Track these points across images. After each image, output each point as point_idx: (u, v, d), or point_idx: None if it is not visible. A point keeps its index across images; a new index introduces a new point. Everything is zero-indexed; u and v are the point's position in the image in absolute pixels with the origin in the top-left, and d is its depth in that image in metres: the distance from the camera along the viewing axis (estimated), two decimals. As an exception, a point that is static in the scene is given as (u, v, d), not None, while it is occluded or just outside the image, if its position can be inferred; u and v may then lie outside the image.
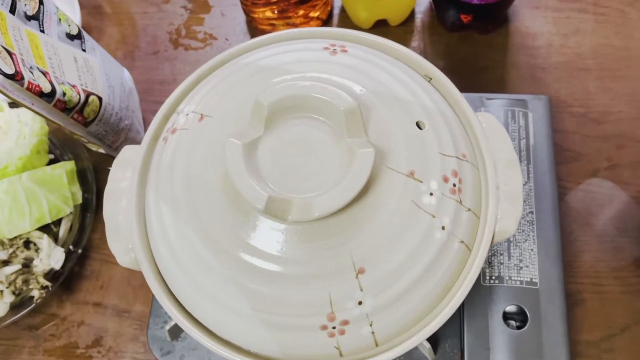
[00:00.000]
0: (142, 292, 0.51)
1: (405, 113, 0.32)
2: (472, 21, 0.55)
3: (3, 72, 0.37)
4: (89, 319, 0.50)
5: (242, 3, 0.57)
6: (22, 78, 0.38)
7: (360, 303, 0.30)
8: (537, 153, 0.45)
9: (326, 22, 0.59)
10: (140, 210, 0.35)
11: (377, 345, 0.32)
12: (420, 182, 0.31)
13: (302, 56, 0.35)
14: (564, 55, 0.56)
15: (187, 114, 0.34)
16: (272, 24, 0.58)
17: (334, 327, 0.30)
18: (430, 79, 0.37)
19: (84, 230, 0.51)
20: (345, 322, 0.30)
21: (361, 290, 0.30)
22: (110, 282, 0.51)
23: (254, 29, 0.60)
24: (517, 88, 0.55)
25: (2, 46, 0.38)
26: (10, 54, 0.39)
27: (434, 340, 0.41)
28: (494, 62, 0.57)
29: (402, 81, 0.34)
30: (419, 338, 0.31)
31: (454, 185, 0.32)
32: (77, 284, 0.51)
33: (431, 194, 0.31)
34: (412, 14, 0.59)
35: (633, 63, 0.55)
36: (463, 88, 0.37)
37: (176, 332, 0.42)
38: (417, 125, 0.32)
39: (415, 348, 0.41)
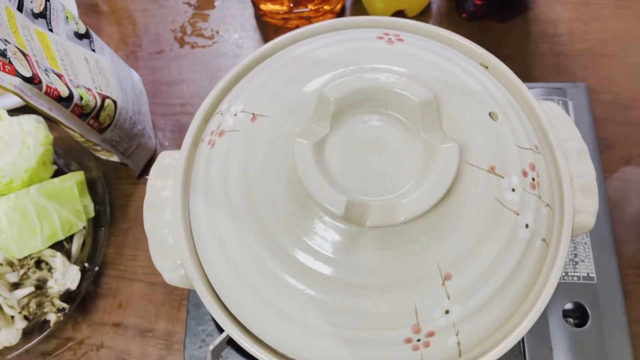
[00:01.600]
0: (165, 309, 0.47)
1: (476, 104, 0.30)
2: (490, 9, 0.54)
3: (21, 75, 0.33)
4: (109, 341, 0.46)
5: (252, -5, 0.54)
6: (40, 82, 0.34)
7: (447, 312, 0.27)
8: (582, 142, 0.43)
9: (340, 14, 0.57)
10: (187, 222, 0.32)
11: (460, 355, 0.29)
12: (502, 177, 0.29)
13: (357, 46, 0.32)
14: (587, 42, 0.55)
15: (236, 114, 0.31)
16: (284, 18, 0.55)
17: (419, 340, 0.28)
18: (487, 67, 0.35)
19: (98, 245, 0.47)
20: (431, 334, 0.28)
21: (448, 298, 0.27)
22: (129, 300, 0.47)
23: (264, 24, 0.57)
24: (543, 77, 0.53)
25: (16, 47, 0.34)
26: (24, 55, 0.35)
27: (494, 343, 0.38)
28: (517, 51, 0.55)
29: (466, 70, 0.32)
30: (506, 345, 0.29)
31: (533, 179, 0.30)
32: (93, 304, 0.47)
33: (513, 189, 0.29)
34: (429, 4, 0.57)
35: (657, 47, 0.54)
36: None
37: (218, 351, 0.39)
38: (490, 116, 0.30)
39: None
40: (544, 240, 0.30)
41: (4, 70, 0.32)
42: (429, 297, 0.27)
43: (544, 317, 0.39)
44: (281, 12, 0.55)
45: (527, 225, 0.29)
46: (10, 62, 0.33)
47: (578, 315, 0.39)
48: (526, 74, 0.53)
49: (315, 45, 0.33)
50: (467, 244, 0.28)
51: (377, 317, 0.27)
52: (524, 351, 0.38)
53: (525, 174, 0.29)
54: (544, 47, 0.55)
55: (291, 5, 0.53)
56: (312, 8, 0.54)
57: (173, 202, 0.32)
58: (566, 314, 0.39)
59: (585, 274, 0.40)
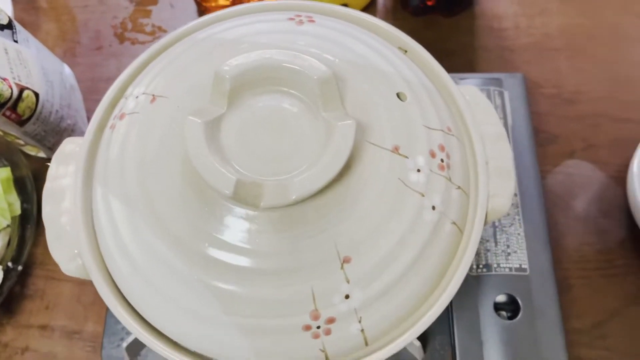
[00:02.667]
0: (95, 310, 0.45)
1: (384, 84, 0.29)
2: (436, 3, 0.53)
3: None
4: (34, 343, 0.45)
5: (192, -10, 0.53)
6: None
7: (347, 297, 0.26)
8: (516, 133, 0.43)
9: (284, 10, 0.56)
10: (87, 210, 0.30)
11: (367, 344, 0.28)
12: (406, 157, 0.28)
13: (264, 27, 0.31)
14: (532, 36, 0.54)
15: (137, 97, 0.30)
16: (226, 14, 0.54)
17: (318, 327, 0.26)
18: (406, 51, 0.34)
19: (24, 244, 0.45)
20: (331, 320, 0.26)
21: (348, 282, 0.26)
22: (57, 301, 0.46)
23: (207, 20, 0.56)
24: (487, 71, 0.52)
25: None
26: None
27: (423, 337, 0.37)
28: (462, 46, 0.54)
29: (377, 51, 0.31)
30: (415, 332, 0.28)
31: (442, 160, 0.29)
32: (19, 305, 0.46)
33: (418, 170, 0.28)
34: (374, -1, 0.56)
35: (602, 41, 0.54)
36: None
37: (135, 349, 0.37)
38: (398, 96, 0.29)
39: (403, 348, 0.37)
40: (454, 223, 0.29)
41: None
42: (327, 281, 0.26)
43: (474, 310, 0.38)
44: (223, 8, 0.54)
45: (433, 207, 0.28)
46: None
47: (511, 309, 0.38)
48: (471, 68, 0.53)
49: (222, 27, 0.32)
50: (368, 226, 0.26)
51: (274, 304, 0.26)
52: (454, 344, 0.37)
53: (433, 155, 0.28)
54: (490, 42, 0.54)
55: (230, 2, 0.52)
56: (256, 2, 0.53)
57: (73, 189, 0.30)
58: (498, 307, 0.38)
59: (518, 265, 0.39)
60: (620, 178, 0.48)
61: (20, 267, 0.44)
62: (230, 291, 0.26)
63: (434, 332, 0.38)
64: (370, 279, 0.26)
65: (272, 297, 0.26)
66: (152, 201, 0.27)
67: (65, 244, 0.30)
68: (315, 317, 0.26)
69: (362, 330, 0.27)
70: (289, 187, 0.25)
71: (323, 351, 0.27)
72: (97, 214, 0.30)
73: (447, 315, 0.38)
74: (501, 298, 0.38)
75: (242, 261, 0.26)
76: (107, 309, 0.40)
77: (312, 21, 0.32)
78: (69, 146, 0.33)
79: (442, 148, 0.29)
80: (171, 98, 0.29)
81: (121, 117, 0.30)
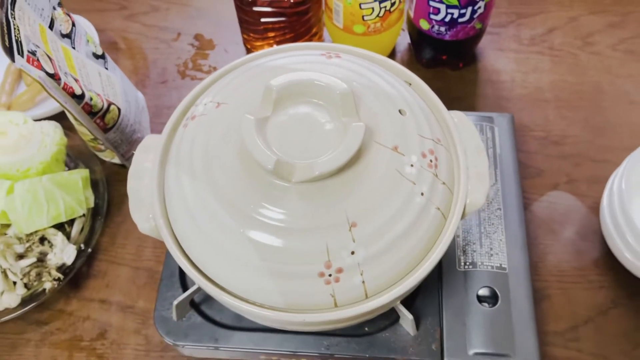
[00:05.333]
0: (146, 290, 0.54)
1: (389, 102, 0.39)
2: (445, 58, 0.64)
3: (46, 70, 0.43)
4: (94, 314, 0.53)
5: (243, 39, 0.65)
6: (60, 79, 0.44)
7: (352, 253, 0.35)
8: (503, 159, 0.52)
9: (318, 58, 0.67)
10: (160, 186, 0.40)
11: (367, 297, 0.36)
12: (403, 155, 0.37)
13: (302, 59, 0.42)
14: (525, 89, 0.64)
15: (205, 104, 0.41)
16: (270, 59, 0.66)
17: (330, 275, 0.35)
18: (410, 84, 0.44)
19: (94, 232, 0.55)
20: (340, 270, 0.35)
21: (354, 241, 0.35)
22: (115, 281, 0.55)
23: (254, 64, 0.67)
24: (485, 114, 0.62)
25: (45, 52, 0.44)
26: (50, 59, 0.45)
27: (416, 318, 0.45)
28: (465, 94, 0.64)
29: (386, 80, 0.41)
30: (403, 288, 0.36)
31: (431, 161, 0.38)
32: (84, 283, 0.55)
33: (412, 165, 0.37)
34: (393, 51, 0.67)
35: (585, 95, 0.63)
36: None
37: (182, 311, 0.46)
38: (400, 112, 0.39)
39: (399, 325, 0.45)
40: (439, 209, 0.38)
41: (33, 65, 0.42)
42: (339, 240, 0.35)
43: (460, 298, 0.46)
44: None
45: (422, 194, 0.37)
46: (38, 60, 0.43)
47: (491, 299, 0.46)
48: (472, 111, 0.62)
49: (270, 58, 0.43)
50: (371, 201, 0.35)
51: (297, 254, 0.35)
52: (442, 325, 0.45)
53: (424, 155, 0.38)
54: (489, 91, 0.64)
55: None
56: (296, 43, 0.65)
57: (151, 171, 0.40)
58: (481, 297, 0.46)
59: (499, 265, 0.47)
60: (596, 208, 0.56)
61: (89, 250, 0.54)
62: (266, 243, 0.35)
63: (427, 314, 0.46)
64: (371, 241, 0.35)
65: (296, 248, 0.35)
66: (213, 175, 0.37)
67: (143, 210, 0.40)
68: (328, 266, 0.35)
69: (363, 282, 0.36)
70: (314, 167, 0.34)
71: (332, 296, 0.36)
72: (169, 188, 0.39)
73: (437, 301, 0.46)
74: (483, 291, 0.46)
75: (276, 221, 0.35)
76: (160, 283, 0.49)
77: (339, 57, 0.42)
78: (149, 140, 0.43)
79: (431, 152, 0.38)
80: (231, 104, 0.39)
81: (192, 118, 0.40)
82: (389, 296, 0.36)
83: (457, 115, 0.43)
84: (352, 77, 0.40)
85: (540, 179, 0.58)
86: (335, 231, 0.35)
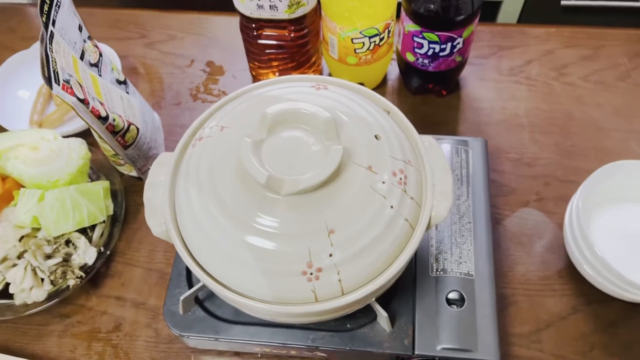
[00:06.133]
0: (156, 289, 0.61)
1: (367, 128, 0.46)
2: (431, 87, 0.71)
3: (77, 96, 0.50)
4: (111, 309, 0.60)
5: (250, 67, 0.73)
6: (89, 103, 0.52)
7: (331, 255, 0.42)
8: (475, 179, 0.58)
9: (316, 84, 0.74)
10: (172, 196, 0.47)
11: (343, 293, 0.43)
12: (376, 173, 0.44)
13: (296, 90, 0.49)
14: (503, 115, 0.71)
15: (211, 127, 0.48)
16: (273, 85, 0.73)
17: (311, 274, 0.42)
18: (389, 112, 0.51)
19: (112, 237, 0.62)
20: (320, 270, 0.42)
21: (332, 245, 0.42)
22: (130, 281, 0.62)
23: (258, 88, 0.75)
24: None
25: (76, 80, 0.52)
26: (80, 86, 0.52)
27: (392, 316, 0.51)
28: (449, 119, 0.71)
29: (366, 109, 0.48)
30: (374, 285, 0.43)
31: (400, 179, 0.45)
32: (103, 281, 0.62)
33: (383, 182, 0.44)
34: (385, 79, 0.74)
35: (557, 122, 0.70)
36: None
37: (187, 306, 0.53)
38: (375, 137, 0.46)
39: (377, 322, 0.52)
40: (407, 220, 0.44)
41: (67, 92, 0.49)
42: (319, 244, 0.42)
43: (432, 300, 0.52)
44: (271, 80, 0.73)
45: (392, 207, 0.43)
46: (71, 87, 0.50)
47: (459, 302, 0.52)
48: (454, 134, 0.69)
49: (268, 89, 0.50)
50: (348, 211, 0.42)
51: (284, 255, 0.42)
52: (415, 323, 0.51)
53: (394, 174, 0.44)
54: (470, 117, 0.71)
55: (277, 74, 0.71)
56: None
57: (164, 182, 0.47)
58: (449, 300, 0.52)
59: (466, 272, 0.53)
60: (561, 224, 0.62)
61: (108, 252, 0.61)
62: (259, 246, 0.42)
63: (401, 314, 0.52)
64: (347, 245, 0.42)
65: (284, 250, 0.42)
66: (216, 188, 0.44)
67: (156, 216, 0.47)
68: (310, 266, 0.42)
69: (340, 280, 0.42)
70: (300, 182, 0.41)
71: (313, 292, 0.42)
72: (179, 198, 0.46)
73: (411, 302, 0.52)
74: (452, 294, 0.52)
75: (268, 227, 0.42)
76: (169, 282, 0.56)
77: (326, 88, 0.49)
78: (163, 157, 0.50)
79: (401, 171, 0.45)
80: (233, 128, 0.46)
81: (200, 139, 0.48)
82: (361, 292, 0.43)
83: (427, 139, 0.49)
84: (335, 107, 0.47)
85: (513, 197, 0.65)
86: (316, 236, 0.42)
